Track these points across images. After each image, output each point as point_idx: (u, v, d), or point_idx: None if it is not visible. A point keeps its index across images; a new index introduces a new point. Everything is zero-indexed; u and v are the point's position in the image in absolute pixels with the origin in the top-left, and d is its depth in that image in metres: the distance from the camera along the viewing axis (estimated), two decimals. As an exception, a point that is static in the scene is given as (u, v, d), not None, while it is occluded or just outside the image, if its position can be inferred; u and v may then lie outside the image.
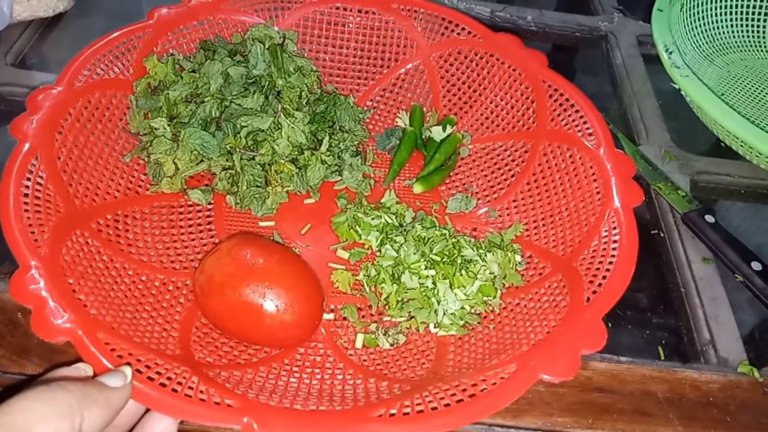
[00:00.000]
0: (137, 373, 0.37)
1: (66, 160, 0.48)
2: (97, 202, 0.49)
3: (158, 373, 0.37)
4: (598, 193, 0.50)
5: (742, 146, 0.64)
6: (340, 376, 0.44)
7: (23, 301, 0.38)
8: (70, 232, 0.44)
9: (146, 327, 0.43)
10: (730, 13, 0.79)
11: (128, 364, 0.37)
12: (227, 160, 0.53)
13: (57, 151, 0.48)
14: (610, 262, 0.45)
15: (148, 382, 0.36)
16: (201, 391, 0.37)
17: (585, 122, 0.55)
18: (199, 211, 0.54)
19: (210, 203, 0.54)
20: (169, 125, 0.52)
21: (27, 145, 0.46)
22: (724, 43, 0.79)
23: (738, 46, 0.80)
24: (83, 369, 0.35)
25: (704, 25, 0.78)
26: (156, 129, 0.52)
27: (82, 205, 0.47)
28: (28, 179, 0.45)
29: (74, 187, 0.48)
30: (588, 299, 0.43)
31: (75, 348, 0.37)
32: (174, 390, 0.36)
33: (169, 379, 0.37)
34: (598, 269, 0.45)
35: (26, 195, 0.44)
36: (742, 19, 0.80)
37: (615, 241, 0.47)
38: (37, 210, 0.44)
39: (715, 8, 0.78)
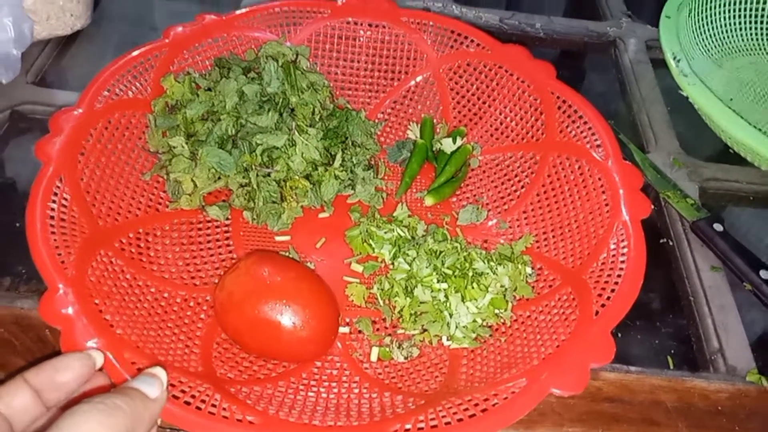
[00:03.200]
0: (162, 391, 0.38)
1: (89, 181, 0.50)
2: (119, 221, 0.51)
3: (183, 391, 0.39)
4: (606, 205, 0.51)
5: (750, 153, 0.64)
6: (356, 390, 0.45)
7: (53, 323, 0.40)
8: (94, 252, 0.46)
9: (169, 344, 0.44)
10: (739, 17, 0.80)
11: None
12: (244, 177, 0.54)
13: (80, 172, 0.49)
14: (619, 276, 0.46)
15: (173, 400, 0.38)
16: (224, 408, 0.39)
17: (593, 134, 0.55)
18: (217, 227, 0.55)
19: (227, 219, 0.56)
20: (186, 143, 0.54)
21: (51, 168, 0.48)
22: (732, 48, 0.80)
23: (747, 50, 0.80)
24: (94, 357, 0.36)
25: (712, 29, 0.78)
26: (174, 147, 0.54)
27: (105, 224, 0.49)
28: (53, 201, 0.46)
29: (97, 207, 0.49)
30: (597, 312, 0.44)
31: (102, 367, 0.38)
32: (198, 408, 0.38)
33: (193, 396, 0.39)
34: (606, 282, 0.46)
35: (52, 217, 0.45)
36: (750, 23, 0.80)
37: (623, 254, 0.48)
38: (63, 232, 0.45)
39: (724, 12, 0.79)
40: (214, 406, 0.39)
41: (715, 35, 0.78)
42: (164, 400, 0.35)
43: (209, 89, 0.57)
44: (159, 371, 0.35)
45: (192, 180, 0.53)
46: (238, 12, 0.62)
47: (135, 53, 0.57)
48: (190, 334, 0.47)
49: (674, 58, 0.67)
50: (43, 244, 0.44)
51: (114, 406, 0.30)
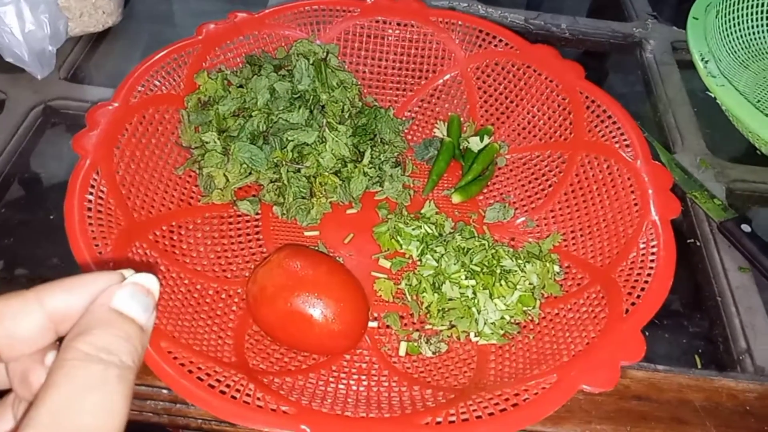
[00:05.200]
0: (198, 380, 0.39)
1: (124, 174, 0.51)
2: (153, 214, 0.51)
3: (218, 380, 0.40)
4: (635, 204, 0.52)
5: (778, 155, 0.64)
6: (385, 383, 0.46)
7: (92, 312, 0.41)
8: (130, 244, 0.47)
9: (203, 335, 0.45)
10: (767, 18, 0.79)
11: (190, 371, 0.39)
12: (274, 173, 0.55)
13: (116, 165, 0.50)
14: (648, 275, 0.46)
15: (209, 389, 0.38)
16: (258, 398, 0.39)
17: (622, 134, 0.56)
18: (248, 221, 0.56)
19: (258, 213, 0.56)
20: (219, 139, 0.55)
21: (88, 161, 0.49)
22: (759, 49, 0.79)
23: (774, 52, 0.80)
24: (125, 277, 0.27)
25: (740, 30, 0.78)
26: (207, 143, 0.54)
27: (140, 217, 0.50)
28: (91, 193, 0.47)
29: (132, 200, 0.50)
30: (627, 311, 0.45)
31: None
32: (233, 397, 0.39)
33: (228, 386, 0.39)
34: (636, 281, 0.47)
35: (89, 209, 0.46)
36: (778, 25, 0.79)
37: (653, 254, 0.48)
38: (100, 223, 0.46)
39: (751, 14, 0.78)
40: (248, 395, 0.39)
41: (742, 36, 0.78)
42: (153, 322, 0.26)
43: (241, 86, 0.58)
44: (153, 283, 0.27)
45: (224, 175, 0.54)
46: (268, 10, 0.63)
47: (169, 50, 0.58)
48: (223, 325, 0.47)
49: (702, 59, 0.67)
50: (81, 235, 0.45)
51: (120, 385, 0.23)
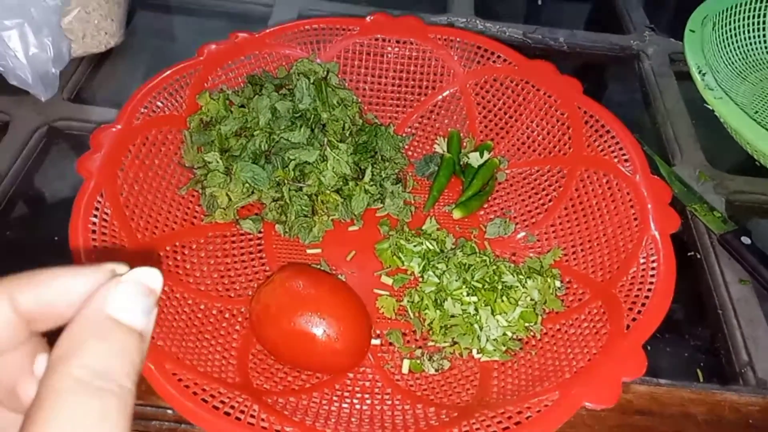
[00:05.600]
0: (203, 402, 0.39)
1: (128, 195, 0.51)
2: (156, 235, 0.52)
3: (222, 402, 0.40)
4: (635, 219, 0.52)
5: (777, 166, 0.64)
6: (389, 402, 0.46)
7: (97, 335, 0.41)
8: (134, 266, 0.47)
9: (207, 355, 0.45)
10: (762, 30, 0.80)
11: (192, 391, 0.39)
12: (276, 192, 0.55)
13: (119, 187, 0.51)
14: (649, 290, 0.47)
15: (214, 411, 0.39)
16: (263, 419, 0.40)
17: (621, 148, 0.56)
18: (251, 240, 0.57)
19: (260, 232, 0.57)
20: (221, 159, 0.55)
21: (92, 183, 0.49)
22: (756, 60, 0.80)
23: (771, 63, 0.80)
24: (113, 271, 0.25)
25: (736, 42, 0.79)
26: (209, 163, 0.55)
27: (143, 238, 0.50)
28: (95, 216, 0.48)
29: (136, 222, 0.51)
30: (628, 326, 0.45)
31: (145, 379, 0.40)
32: (238, 418, 0.39)
33: (232, 407, 0.40)
34: (637, 296, 0.47)
35: (93, 231, 0.47)
36: (775, 36, 0.80)
37: (653, 268, 0.48)
38: (105, 246, 0.47)
39: (747, 26, 0.79)
40: (252, 416, 0.40)
41: (739, 48, 0.79)
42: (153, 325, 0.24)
43: (243, 106, 0.58)
44: (155, 279, 0.24)
45: (227, 194, 0.55)
46: (269, 30, 0.64)
47: (171, 71, 0.58)
48: (227, 345, 0.48)
49: (699, 72, 0.67)
50: (86, 257, 0.45)
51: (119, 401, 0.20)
